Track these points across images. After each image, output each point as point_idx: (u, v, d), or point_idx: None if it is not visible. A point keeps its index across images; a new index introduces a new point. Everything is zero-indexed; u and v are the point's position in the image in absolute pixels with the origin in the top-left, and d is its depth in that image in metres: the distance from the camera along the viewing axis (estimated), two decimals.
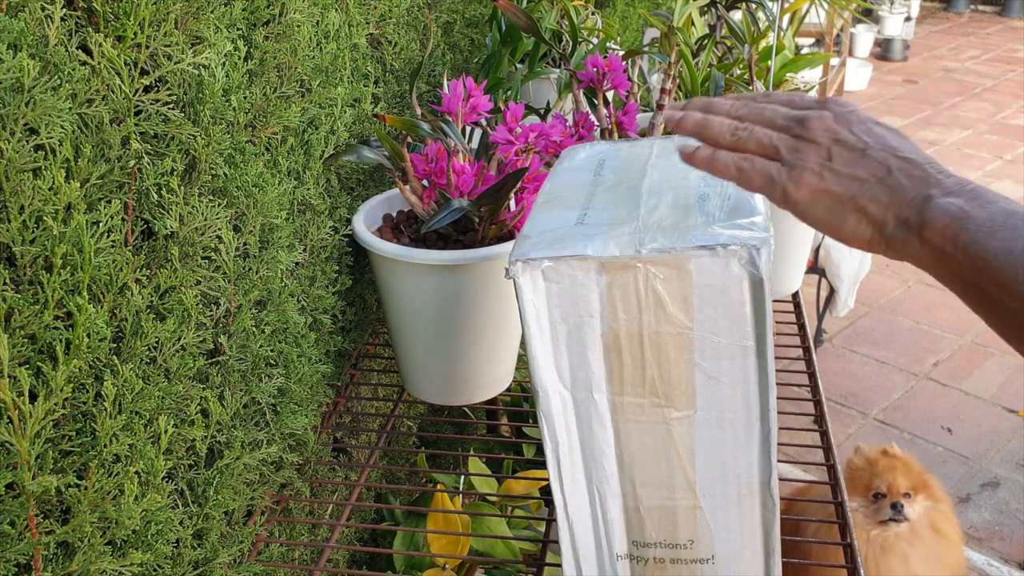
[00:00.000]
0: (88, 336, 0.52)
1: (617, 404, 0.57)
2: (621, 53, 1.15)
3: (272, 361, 0.77)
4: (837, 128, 0.51)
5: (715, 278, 0.52)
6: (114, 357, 0.56)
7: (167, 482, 0.64)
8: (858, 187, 0.50)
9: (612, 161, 0.67)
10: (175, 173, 0.60)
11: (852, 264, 2.47)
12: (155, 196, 0.59)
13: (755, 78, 1.14)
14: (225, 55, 0.63)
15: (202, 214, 0.64)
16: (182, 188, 0.62)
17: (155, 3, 0.57)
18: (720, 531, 0.59)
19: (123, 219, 0.58)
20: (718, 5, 1.14)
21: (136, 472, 0.58)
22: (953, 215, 0.46)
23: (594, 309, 0.54)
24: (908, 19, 5.78)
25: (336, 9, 0.84)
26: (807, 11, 1.37)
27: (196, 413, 0.66)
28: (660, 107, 1.04)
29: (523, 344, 0.57)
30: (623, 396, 0.56)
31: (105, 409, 0.55)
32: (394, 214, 0.94)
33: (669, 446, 0.57)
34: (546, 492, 1.20)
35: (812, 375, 1.00)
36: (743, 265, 0.52)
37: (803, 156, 0.51)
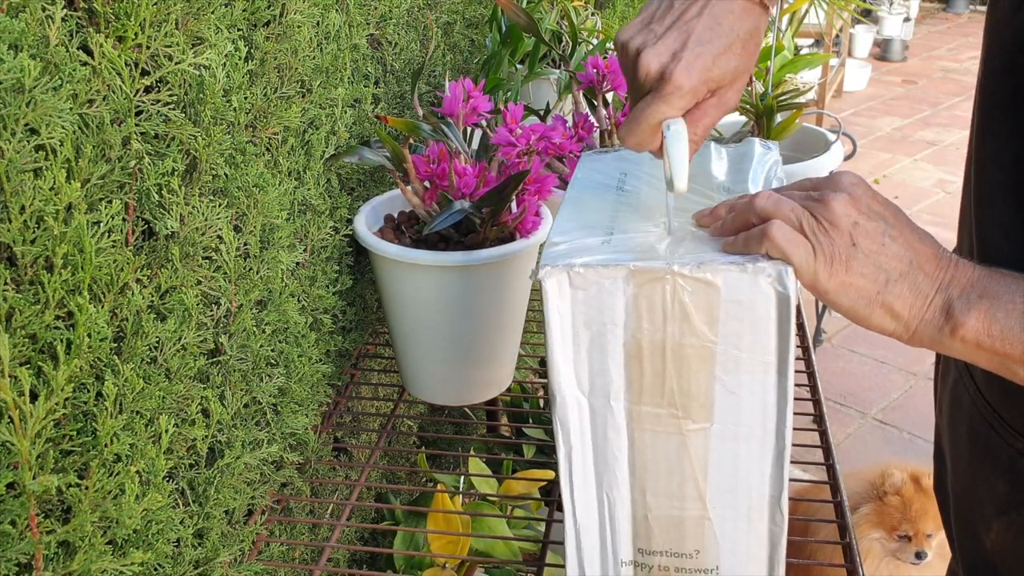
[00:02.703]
0: (89, 336, 0.52)
1: (634, 413, 0.57)
2: None
3: (273, 361, 0.77)
4: (854, 211, 0.52)
5: (742, 294, 0.52)
6: (115, 357, 0.56)
7: (168, 481, 0.64)
8: (883, 283, 0.52)
9: (634, 175, 0.67)
10: (176, 173, 0.60)
11: None
12: (156, 196, 0.60)
13: (754, 79, 1.14)
14: (226, 56, 0.63)
15: (203, 214, 0.64)
16: (183, 188, 0.62)
17: (156, 4, 0.57)
18: (727, 542, 0.59)
19: (124, 219, 0.58)
20: None
21: (137, 471, 0.58)
22: (983, 311, 0.51)
23: (618, 317, 0.54)
24: (907, 20, 5.79)
25: (336, 10, 0.84)
26: (806, 11, 1.37)
27: (197, 413, 0.66)
28: None
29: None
30: (641, 405, 0.56)
31: (106, 409, 0.55)
32: (395, 215, 0.94)
33: (683, 457, 0.57)
34: (546, 492, 1.21)
35: (811, 375, 1.00)
36: (771, 283, 0.52)
37: (830, 240, 0.52)
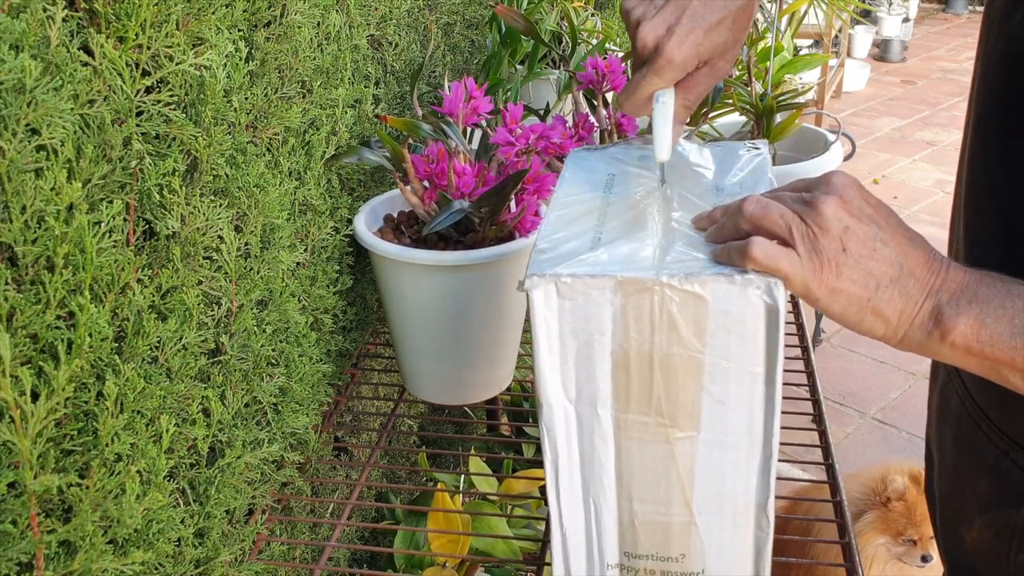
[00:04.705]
0: (90, 336, 0.52)
1: (621, 421, 0.57)
2: (620, 54, 1.15)
3: (273, 360, 0.77)
4: (844, 214, 0.52)
5: (731, 305, 0.52)
6: (116, 356, 0.56)
7: (168, 481, 0.64)
8: (874, 289, 0.51)
9: (622, 177, 0.66)
10: (177, 173, 0.61)
11: None
12: (157, 196, 0.60)
13: (753, 79, 1.14)
14: (226, 56, 0.64)
15: (203, 214, 0.64)
16: (184, 188, 0.62)
17: (156, 4, 0.57)
18: (712, 548, 0.59)
19: (125, 219, 0.58)
20: None
21: (138, 471, 0.58)
22: (972, 316, 0.50)
23: (606, 327, 0.54)
24: (906, 20, 5.79)
25: (337, 10, 0.84)
26: (805, 12, 1.37)
27: (197, 412, 0.66)
28: None
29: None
30: (628, 414, 0.56)
31: (107, 408, 0.55)
32: (395, 214, 0.94)
33: (670, 465, 0.57)
34: (546, 492, 1.21)
35: (810, 374, 1.00)
36: (760, 295, 0.52)
37: (819, 248, 0.51)
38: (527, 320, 0.98)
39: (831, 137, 1.18)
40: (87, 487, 0.55)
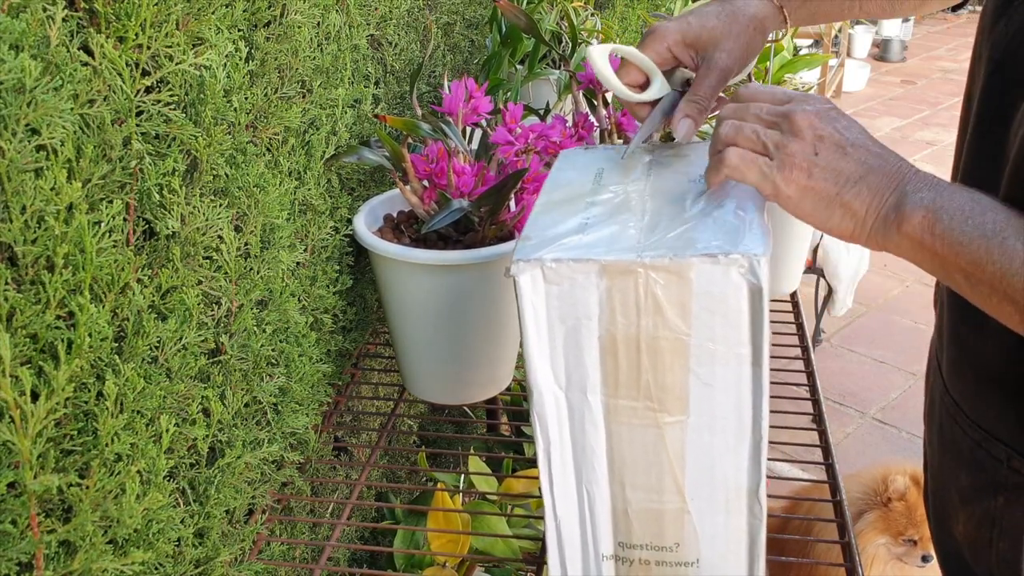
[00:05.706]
0: (90, 335, 0.52)
1: (611, 407, 0.57)
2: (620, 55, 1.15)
3: (273, 360, 0.77)
4: (819, 124, 0.55)
5: (715, 286, 0.52)
6: (116, 356, 0.56)
7: (168, 481, 0.64)
8: (842, 184, 0.54)
9: (610, 170, 0.67)
10: (176, 173, 0.61)
11: (850, 263, 2.47)
12: (157, 196, 0.60)
13: (753, 79, 1.14)
14: (226, 56, 0.64)
15: (203, 214, 0.64)
16: (183, 188, 0.62)
17: (156, 4, 0.57)
18: (706, 535, 0.59)
19: (125, 219, 0.58)
20: None
21: (138, 471, 0.58)
22: (928, 207, 0.52)
23: (592, 312, 0.55)
24: (906, 20, 5.79)
25: (337, 10, 0.84)
26: None
27: (197, 412, 0.66)
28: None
29: (520, 344, 0.58)
30: (617, 399, 0.56)
31: (107, 408, 0.55)
32: (395, 214, 0.94)
33: (660, 450, 0.57)
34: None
35: (810, 374, 1.00)
36: (743, 274, 0.52)
37: (790, 151, 0.54)
38: None
39: None
40: (87, 487, 0.55)
